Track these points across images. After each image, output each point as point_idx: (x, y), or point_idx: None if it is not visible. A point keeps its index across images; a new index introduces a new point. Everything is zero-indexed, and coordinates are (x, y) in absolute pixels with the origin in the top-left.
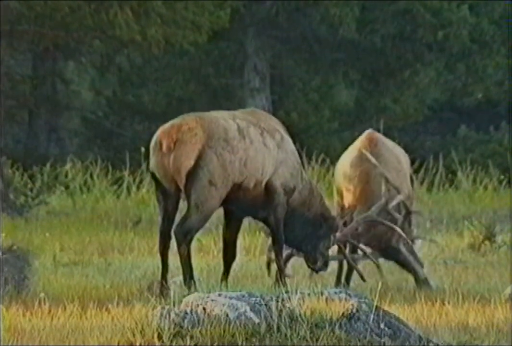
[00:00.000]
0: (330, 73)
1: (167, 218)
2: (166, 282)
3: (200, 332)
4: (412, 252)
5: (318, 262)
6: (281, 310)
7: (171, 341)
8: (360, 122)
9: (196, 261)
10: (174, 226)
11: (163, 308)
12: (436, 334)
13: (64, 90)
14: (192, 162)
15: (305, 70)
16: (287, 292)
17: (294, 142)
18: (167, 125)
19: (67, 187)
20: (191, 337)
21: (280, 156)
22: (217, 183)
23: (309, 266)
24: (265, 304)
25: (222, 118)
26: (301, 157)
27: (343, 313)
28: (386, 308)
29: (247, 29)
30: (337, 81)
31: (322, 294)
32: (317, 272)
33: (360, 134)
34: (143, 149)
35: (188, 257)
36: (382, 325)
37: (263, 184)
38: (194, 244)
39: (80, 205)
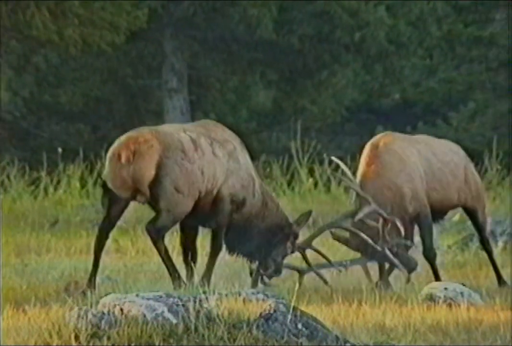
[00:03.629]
0: (248, 73)
1: (109, 221)
2: (94, 280)
3: (117, 333)
4: (398, 254)
5: (269, 268)
6: (198, 311)
7: (88, 342)
8: (277, 123)
9: (113, 262)
10: (146, 224)
11: (80, 309)
12: (353, 335)
13: None
14: (153, 173)
15: (223, 71)
16: (204, 292)
17: None
18: (123, 137)
19: None
20: (108, 338)
21: (232, 165)
22: (184, 191)
23: (260, 273)
24: (183, 305)
25: (175, 131)
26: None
27: (260, 314)
28: (303, 308)
29: (164, 29)
30: (255, 82)
31: (239, 294)
32: (269, 278)
33: (277, 134)
34: (60, 149)
35: (167, 252)
36: (299, 326)
37: (214, 193)
38: (111, 245)
39: None
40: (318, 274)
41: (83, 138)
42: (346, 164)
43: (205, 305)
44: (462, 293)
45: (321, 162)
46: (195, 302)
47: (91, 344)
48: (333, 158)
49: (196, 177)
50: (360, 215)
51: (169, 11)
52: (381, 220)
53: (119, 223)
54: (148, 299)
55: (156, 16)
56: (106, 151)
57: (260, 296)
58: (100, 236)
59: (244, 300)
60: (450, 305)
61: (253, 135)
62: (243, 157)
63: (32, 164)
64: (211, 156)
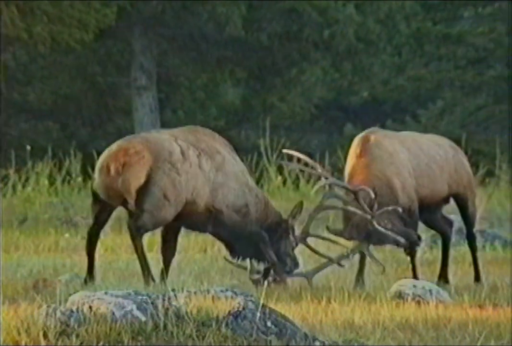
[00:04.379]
0: (217, 71)
1: (98, 225)
2: (91, 279)
3: (86, 330)
4: (394, 230)
5: (288, 263)
6: (167, 308)
7: (57, 340)
8: (246, 120)
9: (82, 260)
10: (128, 220)
11: (48, 306)
12: (322, 332)
13: None
14: (141, 181)
15: (192, 69)
16: (173, 290)
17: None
18: (113, 148)
19: None
20: (77, 336)
21: (220, 179)
22: (171, 199)
23: (281, 271)
24: (152, 302)
25: (167, 140)
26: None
27: (229, 311)
28: (272, 306)
29: (133, 27)
30: (224, 80)
31: (208, 292)
32: (290, 273)
33: (246, 132)
34: (28, 147)
35: (143, 250)
36: (268, 323)
37: (200, 205)
38: (79, 243)
39: None
40: (339, 264)
41: (51, 135)
42: (314, 161)
43: (174, 303)
44: (430, 291)
45: (290, 160)
46: (164, 299)
47: (59, 341)
48: (284, 150)
49: (182, 188)
50: (316, 187)
51: (138, 9)
52: (351, 195)
53: (86, 221)
54: (117, 296)
55: (125, 14)
56: (75, 148)
57: (229, 293)
58: (90, 241)
59: (213, 298)
60: (418, 303)
61: (222, 133)
62: (234, 165)
63: (1, 162)
64: (196, 169)
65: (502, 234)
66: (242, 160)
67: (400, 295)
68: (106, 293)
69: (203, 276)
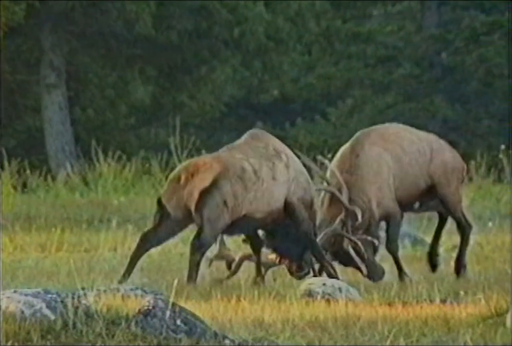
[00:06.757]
0: (127, 69)
1: (155, 235)
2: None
3: None
4: (360, 252)
5: (305, 268)
6: (77, 307)
7: None
8: (156, 119)
9: None
10: (192, 240)
11: None
12: (232, 330)
13: None
14: (206, 184)
15: (101, 66)
16: (83, 289)
17: (91, 138)
18: (186, 162)
19: None
20: None
21: (292, 174)
22: (229, 206)
23: (291, 273)
24: (61, 301)
25: (239, 159)
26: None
27: (139, 310)
28: (182, 304)
29: (42, 25)
30: (134, 77)
31: (118, 290)
32: (300, 278)
33: (156, 130)
34: None
35: (198, 264)
36: (178, 322)
37: (280, 211)
38: None
39: None
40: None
41: None
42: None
43: (83, 301)
44: (340, 289)
45: None
46: (73, 298)
47: None
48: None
49: (244, 201)
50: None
51: (47, 6)
52: (344, 211)
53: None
54: (26, 295)
55: (34, 11)
56: None
57: (139, 292)
58: (139, 245)
59: (122, 296)
60: (328, 301)
61: (132, 131)
62: (295, 160)
63: None
64: (270, 182)
65: (412, 232)
66: (152, 158)
67: (309, 294)
68: (15, 291)
69: (112, 274)
